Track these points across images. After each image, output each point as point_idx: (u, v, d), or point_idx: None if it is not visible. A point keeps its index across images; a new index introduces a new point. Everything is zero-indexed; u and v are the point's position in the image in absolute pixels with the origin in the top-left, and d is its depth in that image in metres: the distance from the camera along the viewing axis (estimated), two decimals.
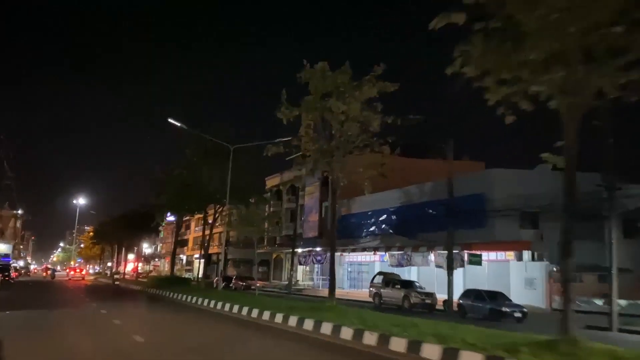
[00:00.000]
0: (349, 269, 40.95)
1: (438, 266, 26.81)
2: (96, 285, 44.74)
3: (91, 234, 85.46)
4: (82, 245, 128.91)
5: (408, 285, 26.05)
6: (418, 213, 32.02)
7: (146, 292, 32.96)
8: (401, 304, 24.83)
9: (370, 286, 28.48)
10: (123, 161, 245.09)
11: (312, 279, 47.39)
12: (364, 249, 36.94)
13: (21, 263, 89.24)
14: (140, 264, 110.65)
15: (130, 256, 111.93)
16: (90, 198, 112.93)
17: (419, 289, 25.51)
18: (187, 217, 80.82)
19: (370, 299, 27.64)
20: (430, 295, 24.72)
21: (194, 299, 23.71)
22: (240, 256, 68.70)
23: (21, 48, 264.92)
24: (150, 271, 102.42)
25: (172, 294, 27.68)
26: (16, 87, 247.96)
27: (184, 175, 32.92)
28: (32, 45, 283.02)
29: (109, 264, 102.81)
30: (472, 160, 43.41)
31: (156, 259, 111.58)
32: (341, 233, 40.69)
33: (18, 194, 54.58)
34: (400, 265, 30.55)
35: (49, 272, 73.01)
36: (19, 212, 78.16)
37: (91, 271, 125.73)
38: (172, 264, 44.26)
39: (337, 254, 42.02)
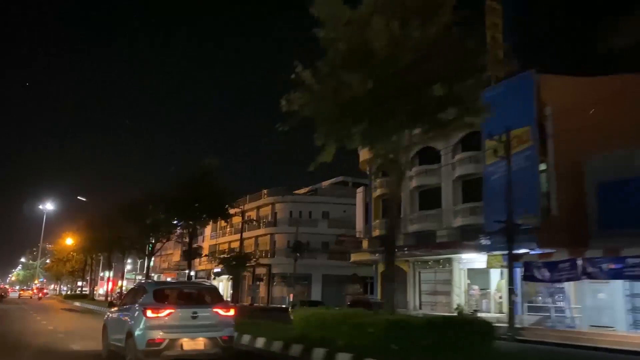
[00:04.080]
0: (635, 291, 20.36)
1: None
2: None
3: (69, 240, 62.40)
4: (48, 261, 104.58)
5: None
6: None
7: None
8: None
9: None
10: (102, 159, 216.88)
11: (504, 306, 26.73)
12: None
13: None
14: (124, 283, 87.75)
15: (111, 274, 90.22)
16: (62, 202, 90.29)
17: None
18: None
19: None
20: None
21: None
22: (289, 270, 47.96)
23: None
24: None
25: None
26: None
27: None
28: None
29: (80, 283, 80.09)
30: None
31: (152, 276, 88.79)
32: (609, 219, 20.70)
33: None
34: None
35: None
36: None
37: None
38: None
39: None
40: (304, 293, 47.30)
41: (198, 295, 9.78)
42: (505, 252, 21.57)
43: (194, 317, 8.70)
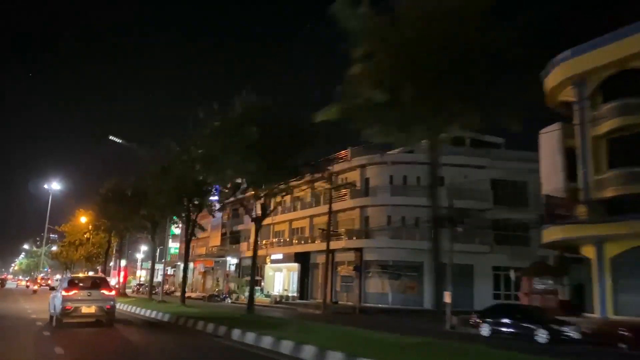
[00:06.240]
0: None
1: None
2: None
3: (83, 218, 49.14)
4: (53, 249, 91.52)
5: None
6: None
7: None
8: None
9: None
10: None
11: None
12: None
13: None
14: (141, 274, 74.82)
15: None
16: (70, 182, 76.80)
17: None
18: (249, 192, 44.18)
19: None
20: None
21: None
22: (391, 256, 35.32)
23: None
24: (162, 287, 66.25)
25: None
26: None
27: None
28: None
29: (91, 272, 66.92)
30: None
31: (168, 268, 75.10)
32: None
33: None
34: None
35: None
36: None
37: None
38: None
39: None
40: (412, 288, 34.10)
41: (94, 283, 17.28)
42: None
43: (89, 295, 16.13)
